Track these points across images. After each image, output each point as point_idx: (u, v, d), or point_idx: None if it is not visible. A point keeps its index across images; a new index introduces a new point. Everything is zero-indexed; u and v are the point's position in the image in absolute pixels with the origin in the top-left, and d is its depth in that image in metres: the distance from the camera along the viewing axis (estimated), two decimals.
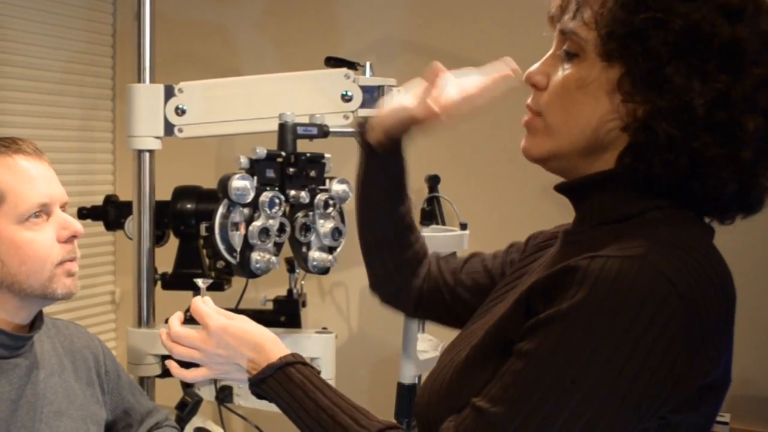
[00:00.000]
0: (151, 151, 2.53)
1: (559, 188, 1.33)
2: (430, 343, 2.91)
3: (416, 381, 2.76)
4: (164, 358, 2.54)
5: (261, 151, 2.22)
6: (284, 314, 2.70)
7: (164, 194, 2.63)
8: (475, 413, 1.18)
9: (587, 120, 1.23)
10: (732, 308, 1.22)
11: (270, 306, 2.74)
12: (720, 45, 1.15)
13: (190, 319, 1.52)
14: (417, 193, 3.29)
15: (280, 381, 1.38)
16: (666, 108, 1.16)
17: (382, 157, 1.63)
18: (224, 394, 2.61)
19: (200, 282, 1.62)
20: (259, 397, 1.42)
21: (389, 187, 1.65)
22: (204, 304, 1.49)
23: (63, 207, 1.81)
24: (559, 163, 1.30)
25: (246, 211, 2.20)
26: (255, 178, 2.20)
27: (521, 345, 1.17)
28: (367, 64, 2.61)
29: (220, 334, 1.44)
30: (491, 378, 1.20)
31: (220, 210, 2.17)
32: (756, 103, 1.16)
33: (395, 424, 1.30)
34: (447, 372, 1.34)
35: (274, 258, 2.24)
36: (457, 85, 1.55)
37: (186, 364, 1.49)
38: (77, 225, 1.80)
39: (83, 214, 2.79)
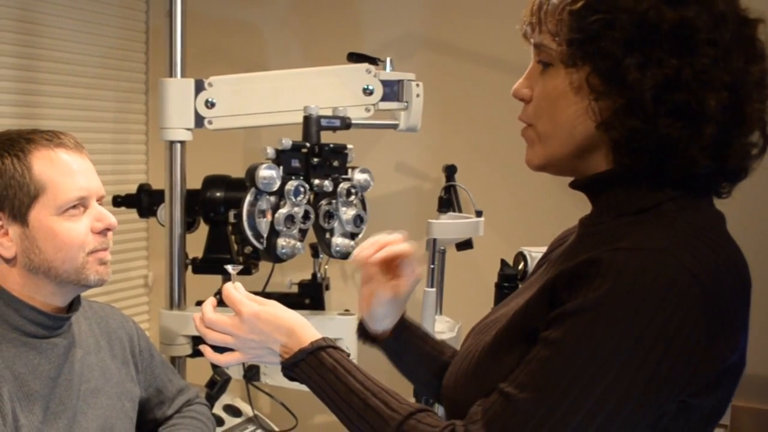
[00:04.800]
0: (182, 142, 2.53)
1: (574, 185, 1.32)
2: (448, 324, 2.91)
3: None
4: (195, 338, 2.55)
5: (286, 142, 2.22)
6: (309, 297, 2.71)
7: (195, 183, 2.63)
8: (502, 398, 1.17)
9: (572, 123, 1.25)
10: (748, 295, 1.22)
11: (295, 289, 2.75)
12: (668, 29, 1.15)
13: (219, 302, 1.51)
14: (435, 182, 3.30)
15: (312, 365, 1.36)
16: (625, 103, 1.18)
17: (404, 337, 1.64)
18: (252, 373, 2.61)
19: (231, 268, 1.60)
20: (291, 379, 1.40)
21: (422, 353, 1.65)
22: (235, 291, 1.47)
23: (100, 200, 1.81)
24: (557, 167, 1.31)
25: (272, 199, 2.20)
26: (281, 167, 2.20)
27: (547, 333, 1.17)
28: (388, 60, 2.60)
29: (252, 320, 1.42)
30: (517, 363, 1.20)
31: (248, 198, 2.17)
32: (716, 80, 1.15)
33: (426, 407, 1.28)
34: (474, 356, 1.34)
35: (299, 244, 2.24)
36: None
37: (219, 349, 1.48)
38: (112, 218, 1.80)
39: (118, 202, 2.80)
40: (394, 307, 1.57)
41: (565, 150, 1.27)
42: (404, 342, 1.62)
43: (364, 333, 1.64)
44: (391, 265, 1.54)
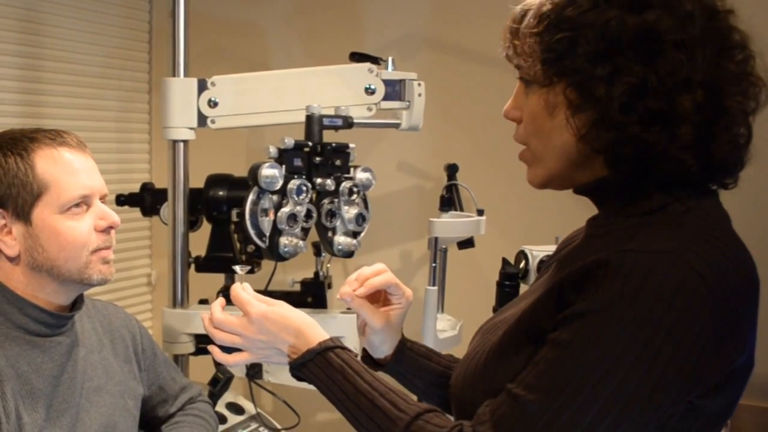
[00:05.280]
0: (185, 141, 2.53)
1: (578, 191, 1.32)
2: (449, 322, 2.91)
3: None
4: (198, 336, 2.55)
5: (289, 141, 2.22)
6: (311, 295, 2.71)
7: (198, 182, 2.63)
8: (510, 399, 1.17)
9: (560, 139, 1.25)
10: (756, 296, 1.22)
11: (297, 288, 2.74)
12: (632, 36, 1.15)
13: (227, 301, 1.51)
14: (437, 181, 3.29)
15: (320, 365, 1.36)
16: (598, 116, 1.18)
17: (407, 358, 1.64)
18: (254, 371, 2.61)
19: (239, 269, 1.60)
20: (299, 379, 1.40)
21: (429, 370, 1.65)
22: (243, 291, 1.47)
23: (102, 198, 1.81)
24: (560, 182, 1.32)
25: (275, 198, 2.20)
26: (283, 166, 2.20)
27: (555, 334, 1.16)
28: (390, 59, 2.60)
29: (260, 320, 1.41)
30: (524, 363, 1.20)
31: (251, 197, 2.17)
32: (687, 80, 1.15)
33: (433, 408, 1.27)
34: (481, 356, 1.33)
35: (301, 242, 2.24)
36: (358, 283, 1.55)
37: (227, 349, 1.48)
38: (115, 216, 1.80)
39: (121, 200, 2.80)
40: (388, 333, 1.58)
41: (560, 164, 1.28)
42: (406, 363, 1.63)
43: (368, 359, 1.64)
44: (378, 295, 1.56)
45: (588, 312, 1.13)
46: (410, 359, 1.62)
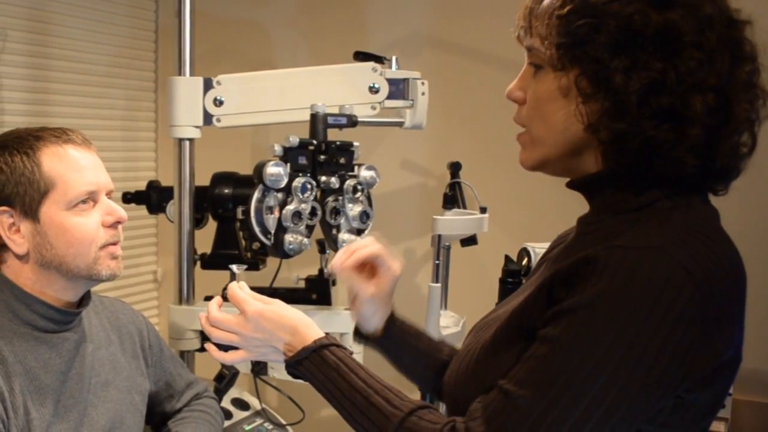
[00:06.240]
0: (190, 140, 2.53)
1: (570, 186, 1.32)
2: (453, 319, 2.91)
3: None
4: (203, 333, 2.55)
5: (294, 140, 2.22)
6: (315, 292, 2.70)
7: (203, 180, 2.63)
8: (502, 395, 1.17)
9: (563, 126, 1.24)
10: (743, 290, 1.22)
11: (302, 284, 2.74)
12: (654, 33, 1.15)
13: (226, 300, 1.51)
14: (440, 179, 3.29)
15: (315, 363, 1.36)
16: (611, 106, 1.17)
17: (396, 333, 1.65)
18: (259, 367, 2.61)
19: (235, 268, 1.60)
20: (296, 377, 1.40)
21: (417, 350, 1.66)
22: (240, 290, 1.48)
23: (109, 194, 1.81)
24: (554, 168, 1.31)
25: (280, 195, 2.20)
26: (288, 164, 2.20)
27: (545, 331, 1.17)
28: (393, 58, 2.61)
29: (256, 318, 1.42)
30: (515, 360, 1.20)
31: (256, 195, 2.17)
32: (701, 82, 1.15)
33: (427, 405, 1.28)
34: (473, 353, 1.34)
35: (306, 239, 2.24)
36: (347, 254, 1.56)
37: (225, 347, 1.48)
38: (122, 212, 1.80)
39: (127, 198, 2.80)
40: (379, 304, 1.59)
41: (558, 151, 1.27)
42: (396, 340, 1.64)
43: (358, 334, 1.65)
44: (367, 267, 1.57)
45: (576, 308, 1.13)
46: (399, 336, 1.63)
